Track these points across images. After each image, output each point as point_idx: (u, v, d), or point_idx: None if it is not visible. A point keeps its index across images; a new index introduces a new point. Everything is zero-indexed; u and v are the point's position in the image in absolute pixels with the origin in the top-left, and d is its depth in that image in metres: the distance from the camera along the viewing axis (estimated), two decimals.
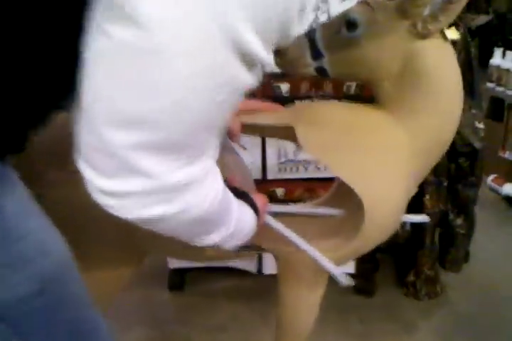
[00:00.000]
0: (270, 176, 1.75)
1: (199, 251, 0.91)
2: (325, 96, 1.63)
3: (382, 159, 0.94)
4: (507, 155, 2.79)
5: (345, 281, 1.00)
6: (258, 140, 1.70)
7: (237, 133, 0.99)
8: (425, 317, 1.90)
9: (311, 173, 1.75)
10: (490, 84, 2.79)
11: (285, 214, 1.08)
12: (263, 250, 1.05)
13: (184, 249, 0.84)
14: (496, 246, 2.31)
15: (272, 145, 1.70)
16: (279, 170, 1.74)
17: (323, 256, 0.96)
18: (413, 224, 1.89)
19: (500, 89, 2.74)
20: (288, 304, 1.09)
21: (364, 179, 0.91)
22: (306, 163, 1.72)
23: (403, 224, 1.89)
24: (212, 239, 0.72)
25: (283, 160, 1.72)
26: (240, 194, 0.79)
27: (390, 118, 0.95)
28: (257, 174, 1.74)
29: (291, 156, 1.72)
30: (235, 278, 2.09)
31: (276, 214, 1.04)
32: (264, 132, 1.09)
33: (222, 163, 1.02)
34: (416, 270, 1.98)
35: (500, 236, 2.41)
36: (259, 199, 0.84)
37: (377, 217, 0.92)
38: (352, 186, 0.90)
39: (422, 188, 1.80)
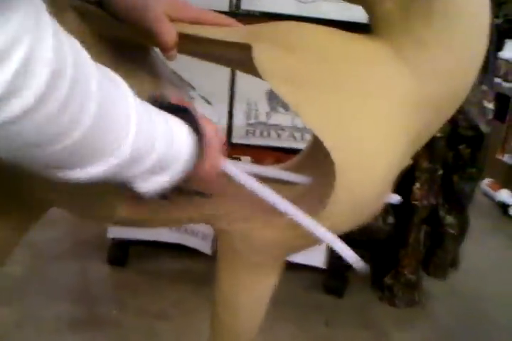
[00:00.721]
0: (236, 140, 1.49)
1: (107, 207, 0.70)
2: None
3: (370, 104, 0.67)
4: (506, 158, 2.54)
5: (358, 264, 0.74)
6: (225, 94, 1.43)
7: (171, 47, 0.72)
8: (400, 327, 1.67)
9: (285, 142, 1.48)
10: (496, 79, 2.54)
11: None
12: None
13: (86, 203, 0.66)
14: (487, 256, 2.17)
15: (242, 101, 1.43)
16: (247, 133, 1.47)
17: (322, 227, 0.70)
18: (397, 218, 1.63)
19: (507, 85, 2.49)
20: (226, 296, 0.83)
21: (339, 129, 0.65)
22: (279, 129, 1.45)
23: (385, 217, 1.63)
24: (96, 170, 0.46)
25: (253, 121, 1.46)
26: (176, 110, 0.56)
27: (390, 52, 0.69)
28: None
29: (262, 118, 1.45)
30: (185, 259, 1.86)
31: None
32: (208, 53, 0.80)
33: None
34: (395, 272, 1.75)
35: (491, 244, 2.30)
36: (211, 127, 0.60)
37: (352, 188, 0.66)
38: (320, 136, 0.64)
39: (413, 174, 1.53)
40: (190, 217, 0.76)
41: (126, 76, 0.75)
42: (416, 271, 1.73)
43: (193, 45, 0.72)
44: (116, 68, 0.74)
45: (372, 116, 0.66)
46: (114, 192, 0.71)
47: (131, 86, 0.74)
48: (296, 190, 0.76)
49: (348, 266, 1.76)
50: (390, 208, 1.62)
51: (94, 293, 1.67)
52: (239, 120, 1.45)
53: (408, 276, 1.72)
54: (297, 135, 1.47)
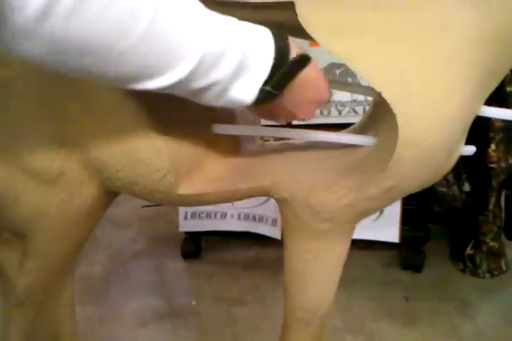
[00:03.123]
0: (295, 121, 1.43)
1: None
2: None
3: (430, 48, 0.61)
4: None
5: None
6: None
7: None
8: (485, 298, 1.59)
9: (346, 118, 1.43)
10: None
11: (301, 147, 0.81)
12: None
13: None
14: None
15: None
16: None
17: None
18: (473, 184, 1.55)
19: None
20: (294, 267, 0.80)
21: (399, 78, 0.60)
22: (339, 105, 1.41)
23: (460, 184, 1.56)
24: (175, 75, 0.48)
25: None
26: None
27: None
28: None
29: None
30: (256, 246, 1.86)
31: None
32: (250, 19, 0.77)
33: None
34: (476, 241, 1.67)
35: None
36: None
37: (417, 141, 0.62)
38: (378, 88, 0.60)
39: (487, 135, 1.45)
40: (250, 188, 0.74)
41: None
42: (498, 238, 1.65)
43: (235, 11, 0.70)
44: None
45: (433, 61, 0.61)
46: None
47: None
48: (360, 153, 0.73)
49: (424, 240, 1.71)
50: (464, 175, 1.55)
51: (172, 286, 1.68)
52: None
53: (490, 244, 1.64)
54: (358, 109, 1.42)
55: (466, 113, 0.65)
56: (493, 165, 1.51)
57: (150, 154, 0.66)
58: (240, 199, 0.78)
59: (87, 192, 0.71)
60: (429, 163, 0.66)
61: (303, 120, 0.65)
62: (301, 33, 0.63)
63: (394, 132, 0.62)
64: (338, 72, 1.44)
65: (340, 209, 0.71)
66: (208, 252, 1.85)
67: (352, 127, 0.83)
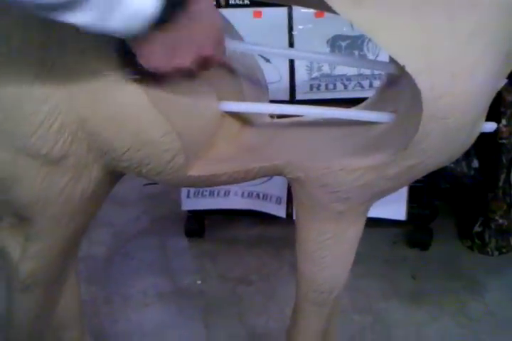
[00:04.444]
0: (300, 96, 1.42)
1: None
2: None
3: (455, 20, 0.58)
4: None
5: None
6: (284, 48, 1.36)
7: None
8: (494, 276, 1.58)
9: (352, 92, 1.39)
10: None
11: (313, 124, 0.77)
12: None
13: None
14: None
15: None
16: (311, 88, 1.40)
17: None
18: (482, 160, 1.52)
19: None
20: (309, 248, 0.78)
21: (423, 51, 0.57)
22: (345, 79, 1.36)
23: (469, 161, 1.53)
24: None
25: (316, 74, 1.37)
26: None
27: None
28: (284, 94, 1.41)
29: (326, 70, 1.36)
30: (261, 225, 1.84)
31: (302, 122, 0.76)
32: None
33: None
34: (485, 218, 1.64)
35: None
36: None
37: (443, 116, 0.59)
38: (401, 61, 0.57)
39: (498, 110, 1.41)
40: (263, 168, 0.71)
41: None
42: (507, 216, 1.62)
43: None
44: None
45: (459, 35, 0.58)
46: None
47: None
48: (376, 130, 0.70)
49: (431, 218, 1.69)
50: (473, 151, 1.51)
51: (176, 265, 1.67)
52: (301, 75, 1.38)
53: (499, 221, 1.62)
54: (365, 83, 1.38)
55: (490, 88, 0.62)
56: (503, 141, 1.48)
57: (158, 135, 0.64)
58: (252, 179, 0.75)
59: (92, 175, 0.69)
60: (453, 140, 0.63)
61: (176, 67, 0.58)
62: (319, 4, 0.59)
63: (415, 108, 0.59)
64: (343, 44, 1.40)
65: (357, 189, 0.69)
66: (211, 231, 1.82)
67: (364, 103, 0.79)
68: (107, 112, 0.62)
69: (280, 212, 1.66)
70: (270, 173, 0.74)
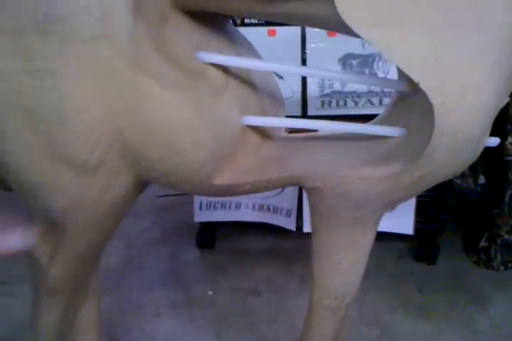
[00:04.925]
0: (312, 112, 1.46)
1: None
2: None
3: (465, 39, 0.62)
4: None
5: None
6: (297, 66, 1.40)
7: None
8: (499, 290, 1.60)
9: (362, 109, 1.43)
10: None
11: (329, 138, 0.82)
12: None
13: None
14: None
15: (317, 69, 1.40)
16: (323, 104, 1.44)
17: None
18: (489, 176, 1.55)
19: None
20: (325, 255, 0.82)
21: (436, 68, 0.62)
22: (356, 96, 1.41)
23: (476, 177, 1.56)
24: None
25: (327, 91, 1.42)
26: None
27: None
28: (296, 109, 1.45)
29: (337, 87, 1.41)
30: (271, 237, 1.88)
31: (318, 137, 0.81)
32: (287, 12, 0.76)
33: None
34: (491, 233, 1.67)
35: None
36: None
37: (453, 130, 0.63)
38: (415, 78, 0.61)
39: (504, 128, 1.45)
40: (284, 178, 0.76)
41: (205, 44, 0.76)
42: None
43: (275, 5, 0.69)
44: (196, 38, 0.74)
45: (468, 52, 0.62)
46: None
47: (215, 50, 0.75)
48: (389, 143, 0.74)
49: (438, 232, 1.71)
50: (479, 167, 1.54)
51: (188, 276, 1.69)
52: (313, 92, 1.42)
53: (505, 237, 1.64)
54: (374, 100, 1.42)
55: (496, 104, 0.66)
56: (509, 158, 1.51)
57: (190, 145, 0.68)
58: (273, 189, 0.80)
59: (123, 183, 0.72)
60: (462, 152, 0.68)
61: None
62: (336, 25, 0.63)
63: (425, 123, 0.64)
64: (354, 62, 1.44)
65: (372, 197, 0.73)
66: (222, 242, 1.86)
67: (377, 118, 0.84)
68: (143, 124, 0.67)
69: (290, 224, 1.69)
70: (290, 183, 0.78)
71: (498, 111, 0.69)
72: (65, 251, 0.78)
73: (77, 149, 0.67)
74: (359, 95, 1.41)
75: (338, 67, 1.41)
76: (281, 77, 1.41)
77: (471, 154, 0.70)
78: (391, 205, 0.77)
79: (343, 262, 0.80)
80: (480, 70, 0.62)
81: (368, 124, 0.81)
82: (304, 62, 1.45)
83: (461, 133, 0.64)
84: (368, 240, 0.80)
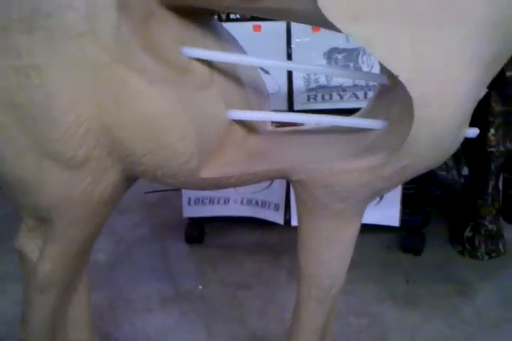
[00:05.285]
0: (298, 106, 1.48)
1: None
2: None
3: (444, 32, 0.64)
4: None
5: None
6: (283, 60, 1.41)
7: None
8: (484, 279, 1.63)
9: (347, 103, 1.45)
10: None
11: (313, 132, 0.84)
12: None
13: None
14: None
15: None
16: (308, 98, 1.46)
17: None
18: (472, 168, 1.57)
19: None
20: (310, 247, 0.84)
21: (414, 61, 0.63)
22: (341, 90, 1.42)
23: (459, 168, 1.58)
24: None
25: (313, 86, 1.43)
26: None
27: None
28: (282, 104, 1.47)
29: (323, 81, 1.42)
30: (259, 231, 1.89)
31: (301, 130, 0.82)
32: (270, 7, 0.77)
33: None
34: (475, 224, 1.70)
35: None
36: None
37: (432, 121, 0.65)
38: (394, 70, 0.63)
39: (487, 120, 1.47)
40: (269, 171, 0.77)
41: (191, 40, 0.76)
42: (496, 221, 1.68)
43: (257, 2, 0.70)
44: (182, 33, 0.75)
45: (447, 45, 0.64)
46: None
47: (200, 46, 0.76)
48: (371, 135, 0.76)
49: (423, 224, 1.74)
50: (463, 159, 1.57)
51: (178, 271, 1.70)
52: (299, 86, 1.43)
53: (489, 227, 1.67)
54: (359, 94, 1.44)
55: (473, 96, 0.68)
56: (492, 149, 1.53)
57: (175, 139, 0.69)
58: (258, 182, 0.81)
59: (110, 179, 0.73)
60: (441, 143, 0.69)
61: None
62: (317, 20, 0.64)
63: (405, 115, 0.65)
64: (339, 57, 1.46)
65: (356, 189, 0.74)
66: (211, 237, 1.87)
67: (360, 111, 0.85)
68: (129, 119, 0.68)
69: (278, 218, 1.71)
70: (276, 176, 0.80)
71: (476, 102, 0.70)
72: (54, 247, 0.78)
73: (64, 145, 0.67)
74: (344, 89, 1.43)
75: (324, 62, 1.43)
76: (267, 72, 1.42)
77: (451, 145, 0.71)
78: (374, 196, 0.79)
79: (327, 253, 0.82)
80: (458, 62, 0.64)
81: (351, 117, 0.82)
82: (289, 56, 1.46)
83: (439, 124, 0.65)
84: (352, 232, 0.82)
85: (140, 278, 1.66)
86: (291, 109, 1.46)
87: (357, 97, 1.45)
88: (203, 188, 0.83)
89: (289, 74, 1.44)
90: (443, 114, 0.65)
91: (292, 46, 1.45)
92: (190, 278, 1.67)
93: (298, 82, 1.44)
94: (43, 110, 0.66)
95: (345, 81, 1.43)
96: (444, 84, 0.64)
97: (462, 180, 1.61)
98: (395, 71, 0.62)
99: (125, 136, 0.69)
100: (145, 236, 1.90)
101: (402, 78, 0.62)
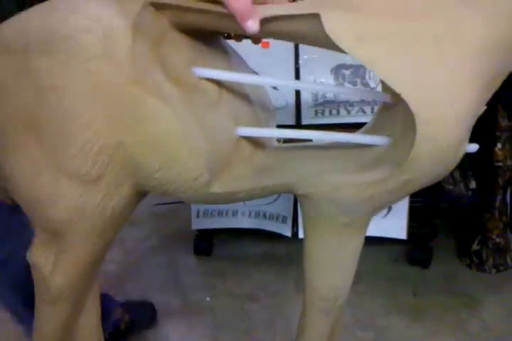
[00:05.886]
0: (305, 121, 1.49)
1: None
2: None
3: (442, 52, 0.66)
4: None
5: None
6: (291, 77, 1.44)
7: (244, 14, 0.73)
8: (491, 293, 1.63)
9: (355, 117, 1.47)
10: None
11: (318, 147, 0.85)
12: None
13: None
14: None
15: (308, 82, 1.43)
16: (316, 113, 1.47)
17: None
18: (479, 182, 1.58)
19: None
20: (315, 259, 0.85)
21: (415, 79, 0.65)
22: (348, 105, 1.44)
23: (467, 182, 1.59)
24: None
25: (321, 101, 1.45)
26: None
27: None
28: (290, 119, 1.49)
29: (330, 96, 1.44)
30: (267, 243, 1.91)
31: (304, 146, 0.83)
32: (275, 30, 0.80)
33: None
34: (482, 237, 1.71)
35: None
36: None
37: (434, 138, 0.67)
38: (397, 89, 0.64)
39: (494, 135, 1.49)
40: (277, 186, 0.78)
41: (200, 60, 0.79)
42: (504, 235, 1.68)
43: (262, 27, 0.70)
44: (191, 54, 0.78)
45: (447, 64, 0.65)
46: None
47: (210, 67, 0.78)
48: (376, 150, 0.77)
49: (431, 236, 1.75)
50: (470, 173, 1.58)
51: (186, 282, 1.72)
52: (307, 101, 1.45)
53: (496, 240, 1.67)
54: (367, 109, 1.46)
55: (474, 113, 0.70)
56: (499, 164, 1.54)
57: (188, 155, 0.71)
58: (266, 196, 0.82)
59: (123, 194, 0.75)
60: (442, 159, 0.70)
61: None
62: (322, 42, 0.66)
63: (408, 131, 0.67)
64: (346, 73, 1.48)
65: (360, 202, 0.76)
66: (219, 249, 1.89)
67: (365, 127, 0.87)
68: (143, 137, 0.69)
69: (286, 231, 1.72)
70: (282, 190, 0.81)
71: (476, 117, 0.72)
72: (66, 260, 0.80)
73: (79, 162, 0.69)
74: (351, 104, 1.45)
75: (331, 77, 1.45)
76: (275, 88, 1.44)
77: (453, 160, 0.73)
78: (379, 209, 0.80)
79: (332, 266, 0.83)
80: (459, 80, 0.66)
81: (356, 134, 0.84)
82: (297, 72, 1.48)
83: (442, 140, 0.67)
84: (357, 244, 0.83)
85: (148, 289, 1.67)
86: (298, 123, 1.48)
87: (364, 112, 1.46)
88: (213, 203, 0.84)
89: (297, 89, 1.46)
90: (445, 130, 0.66)
91: (300, 62, 1.47)
92: (198, 289, 1.68)
93: (305, 97, 1.46)
94: (59, 129, 0.68)
95: (353, 96, 1.45)
96: (446, 102, 0.65)
97: (470, 194, 1.61)
98: (397, 90, 0.64)
99: (138, 153, 0.70)
100: (154, 248, 1.92)
101: (405, 96, 0.64)
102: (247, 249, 1.89)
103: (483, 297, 1.60)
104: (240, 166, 0.80)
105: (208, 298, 1.63)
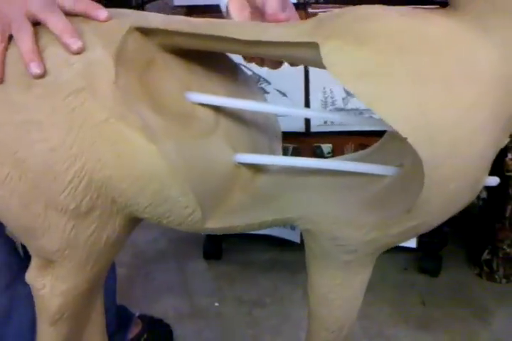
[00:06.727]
0: (314, 128, 1.48)
1: None
2: None
3: (455, 92, 0.59)
4: None
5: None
6: (300, 85, 1.43)
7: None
8: (502, 303, 1.61)
9: (364, 125, 1.45)
10: None
11: (317, 173, 0.81)
12: None
13: None
14: None
15: (317, 90, 1.42)
16: (326, 121, 1.47)
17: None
18: (490, 191, 1.57)
19: None
20: (319, 293, 0.82)
21: (423, 122, 0.58)
22: (358, 113, 1.43)
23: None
24: None
25: (330, 108, 1.45)
26: None
27: (470, 27, 0.62)
28: (299, 126, 1.48)
29: (339, 104, 1.44)
30: (276, 249, 1.90)
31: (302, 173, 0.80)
32: (273, 54, 0.72)
33: None
34: (493, 247, 1.68)
35: None
36: None
37: (444, 184, 0.61)
38: (401, 132, 0.58)
39: (504, 145, 1.47)
40: (275, 220, 0.75)
41: (197, 83, 0.74)
42: None
43: (258, 49, 0.69)
44: (186, 77, 0.74)
45: (457, 104, 0.59)
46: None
47: (207, 90, 0.74)
48: (382, 183, 0.73)
49: (441, 245, 1.73)
50: None
51: (194, 286, 1.73)
52: (316, 109, 1.45)
53: (507, 250, 1.65)
54: (376, 116, 1.44)
55: (492, 151, 0.65)
56: (510, 174, 1.52)
57: (178, 192, 0.68)
58: (266, 228, 0.79)
59: (116, 223, 0.73)
60: (455, 201, 0.66)
61: None
62: (323, 67, 0.63)
63: (417, 169, 0.62)
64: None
65: (362, 244, 0.72)
66: (229, 254, 1.88)
67: (372, 149, 0.83)
68: (129, 173, 0.67)
69: (294, 237, 1.72)
70: (283, 224, 0.79)
71: (495, 154, 0.67)
72: (64, 285, 0.79)
73: (67, 197, 0.67)
74: (361, 112, 1.44)
75: (342, 92, 1.43)
76: (284, 95, 1.45)
77: (467, 199, 0.68)
78: (383, 249, 0.77)
79: (337, 299, 0.80)
80: (472, 123, 0.60)
81: (362, 164, 0.78)
82: (306, 74, 1.45)
83: (453, 183, 0.61)
84: (361, 280, 0.80)
85: (157, 293, 1.69)
86: (307, 131, 1.48)
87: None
88: (211, 233, 0.81)
89: (307, 97, 1.45)
90: (456, 174, 0.61)
91: (310, 78, 1.46)
92: (207, 294, 1.69)
93: (315, 105, 1.45)
94: (44, 164, 0.65)
95: (362, 104, 1.43)
96: (457, 146, 0.60)
97: (480, 203, 1.60)
98: (402, 132, 0.58)
99: (126, 188, 0.68)
100: (163, 252, 1.93)
101: (411, 140, 0.58)
102: (255, 254, 1.89)
103: (494, 307, 1.58)
104: (239, 194, 0.77)
105: (216, 303, 1.63)
